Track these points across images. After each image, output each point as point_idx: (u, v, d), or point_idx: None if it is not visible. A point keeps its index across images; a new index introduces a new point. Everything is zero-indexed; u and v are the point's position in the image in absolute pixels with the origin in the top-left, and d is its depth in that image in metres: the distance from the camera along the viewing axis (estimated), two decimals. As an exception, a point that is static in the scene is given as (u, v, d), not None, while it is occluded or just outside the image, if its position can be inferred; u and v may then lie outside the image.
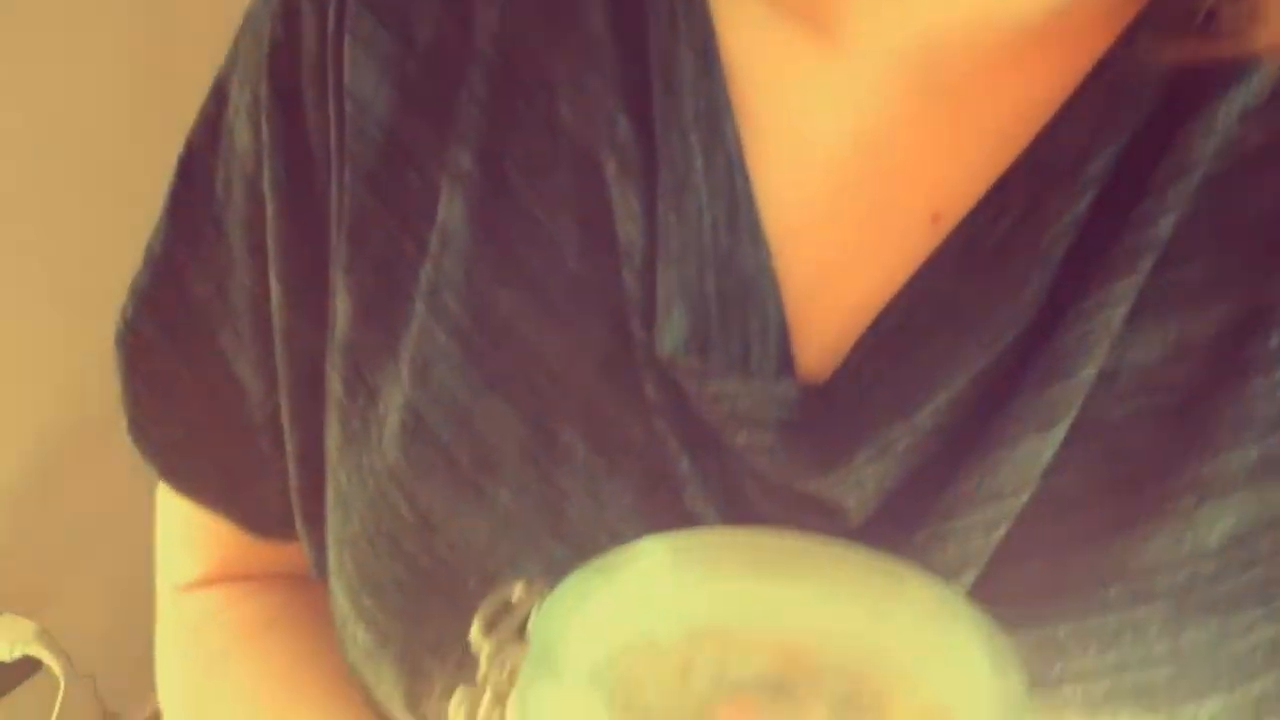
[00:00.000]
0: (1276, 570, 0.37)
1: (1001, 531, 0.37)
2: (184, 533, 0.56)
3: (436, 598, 0.42)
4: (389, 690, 0.45)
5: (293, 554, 0.53)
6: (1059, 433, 0.37)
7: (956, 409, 0.38)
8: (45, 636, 1.70)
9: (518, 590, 0.32)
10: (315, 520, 0.48)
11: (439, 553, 0.42)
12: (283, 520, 0.51)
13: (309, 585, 0.55)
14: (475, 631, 0.31)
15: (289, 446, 0.48)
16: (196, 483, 0.52)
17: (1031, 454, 0.37)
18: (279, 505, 0.51)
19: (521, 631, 0.31)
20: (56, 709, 1.72)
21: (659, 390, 0.40)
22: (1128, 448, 0.37)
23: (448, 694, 0.42)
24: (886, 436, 0.38)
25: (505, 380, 0.42)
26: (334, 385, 0.46)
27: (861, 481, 0.39)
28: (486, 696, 0.30)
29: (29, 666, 1.73)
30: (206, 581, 0.56)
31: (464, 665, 0.42)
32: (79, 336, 1.66)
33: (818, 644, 0.30)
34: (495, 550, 0.41)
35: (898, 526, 0.38)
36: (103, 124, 1.65)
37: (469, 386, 0.42)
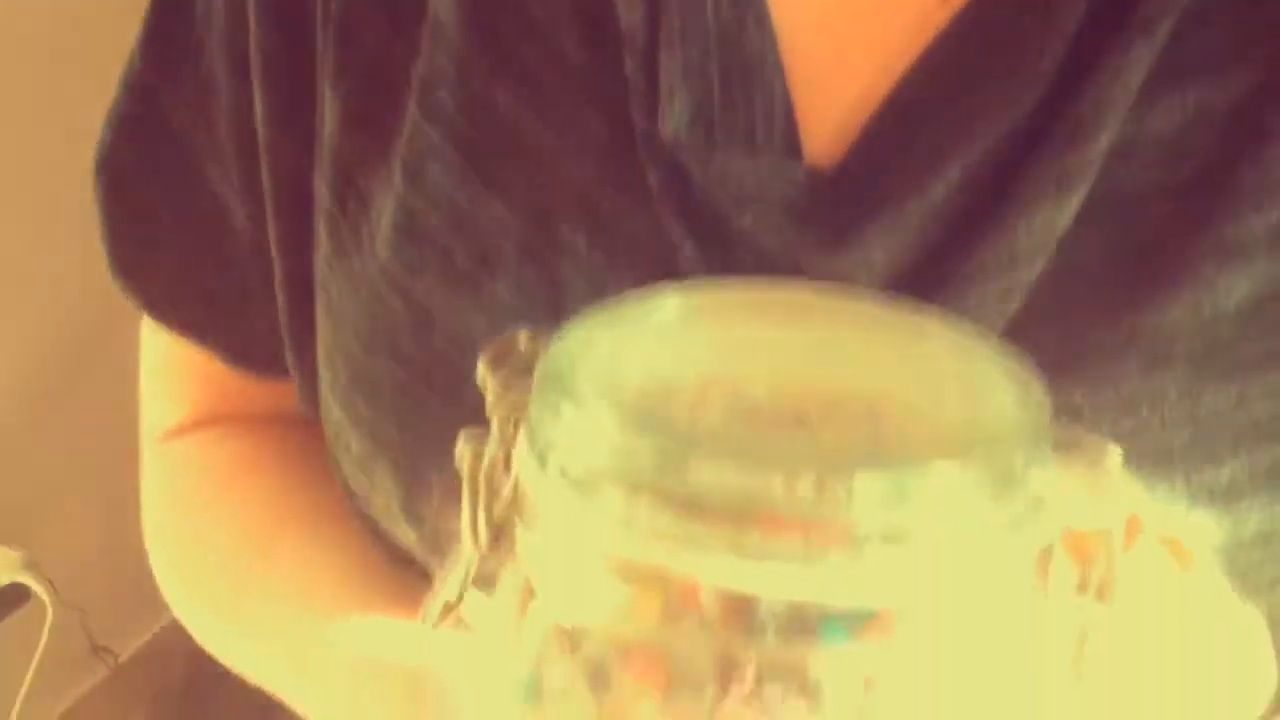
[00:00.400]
0: None
1: (1016, 302, 0.36)
2: (168, 375, 0.54)
3: (433, 397, 0.41)
4: (385, 500, 0.44)
5: (280, 394, 0.52)
6: (1075, 201, 0.36)
7: (969, 182, 0.37)
8: (32, 565, 1.69)
9: (521, 340, 0.31)
10: (304, 347, 0.47)
11: (436, 348, 0.41)
12: (270, 354, 0.50)
13: (296, 428, 0.53)
14: (480, 369, 0.30)
15: (277, 272, 0.47)
16: (183, 316, 0.51)
17: (1046, 222, 0.36)
18: (266, 337, 0.49)
19: (527, 372, 0.30)
20: (44, 639, 1.71)
21: (661, 178, 0.39)
22: (1146, 218, 0.36)
23: (446, 497, 0.41)
24: (897, 212, 0.37)
25: (502, 177, 0.41)
26: (322, 197, 0.44)
27: (871, 261, 0.38)
28: (493, 431, 0.29)
29: (16, 597, 1.72)
30: (191, 426, 0.55)
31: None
32: (66, 261, 1.64)
33: (836, 382, 0.29)
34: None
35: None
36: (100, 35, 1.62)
37: (465, 186, 0.41)
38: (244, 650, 0.52)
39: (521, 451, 0.28)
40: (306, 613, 0.47)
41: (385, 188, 0.42)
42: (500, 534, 0.30)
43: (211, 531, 0.53)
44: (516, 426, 0.30)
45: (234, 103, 0.47)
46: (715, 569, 0.25)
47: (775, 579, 0.25)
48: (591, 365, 0.28)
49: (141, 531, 0.57)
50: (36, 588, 1.67)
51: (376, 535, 0.46)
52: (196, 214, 0.49)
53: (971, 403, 0.28)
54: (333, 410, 0.45)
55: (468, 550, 0.31)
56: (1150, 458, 0.35)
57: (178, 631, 0.61)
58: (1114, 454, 0.28)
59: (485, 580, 0.31)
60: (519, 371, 0.30)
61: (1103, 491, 0.27)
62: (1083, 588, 0.27)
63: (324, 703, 0.46)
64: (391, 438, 0.42)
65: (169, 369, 0.54)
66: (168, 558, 0.55)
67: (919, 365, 0.30)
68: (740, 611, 0.26)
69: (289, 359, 0.48)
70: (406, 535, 0.44)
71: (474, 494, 0.30)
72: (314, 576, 0.48)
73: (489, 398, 0.30)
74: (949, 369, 0.29)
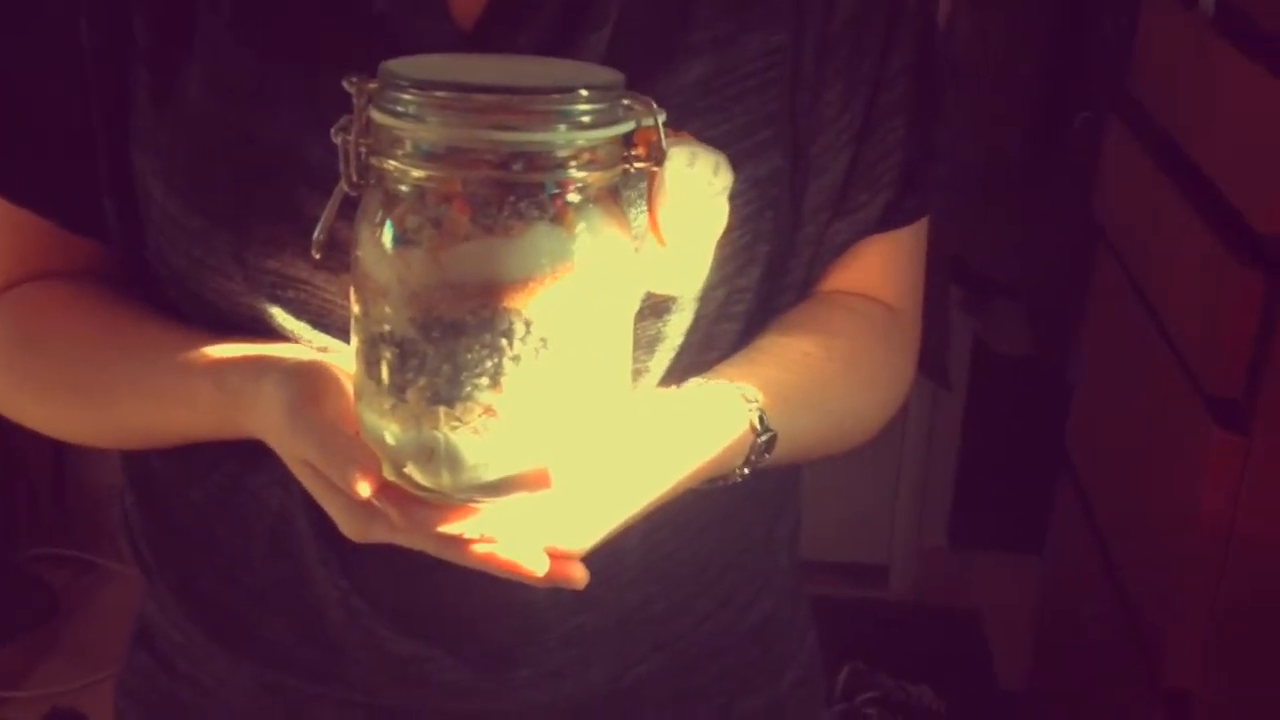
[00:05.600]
0: (731, 101, 0.70)
1: (603, 49, 0.68)
2: None
3: (255, 177, 0.67)
4: (217, 259, 0.68)
5: (91, 253, 0.74)
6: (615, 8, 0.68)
7: (550, 22, 0.68)
8: None
9: (348, 86, 0.58)
10: (122, 184, 0.70)
11: (253, 148, 0.67)
12: (86, 213, 0.72)
13: (105, 281, 0.75)
14: (346, 84, 0.57)
15: (101, 138, 0.70)
16: (16, 186, 0.72)
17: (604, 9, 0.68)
18: (84, 200, 0.71)
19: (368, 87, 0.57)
20: None
21: (375, 32, 0.67)
22: (651, 20, 0.69)
23: (269, 241, 0.67)
24: (512, 46, 0.68)
25: (275, 39, 0.67)
26: (142, 78, 0.69)
27: None
28: (356, 109, 0.56)
29: None
30: (11, 283, 0.75)
31: (279, 220, 0.67)
32: None
33: (526, 77, 0.59)
34: (303, 138, 0.66)
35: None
36: None
37: (246, 47, 0.67)
38: (121, 414, 0.72)
39: (378, 112, 0.56)
40: (180, 356, 0.69)
41: (190, 59, 0.68)
42: (364, 171, 0.57)
43: (66, 339, 0.73)
44: (368, 105, 0.57)
45: (59, 14, 0.69)
46: (494, 138, 0.55)
47: (524, 141, 0.55)
48: (408, 67, 0.57)
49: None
50: None
51: (199, 306, 0.70)
52: (22, 108, 0.71)
53: (590, 76, 0.59)
54: (171, 206, 0.69)
55: (341, 187, 0.58)
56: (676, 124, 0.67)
57: None
58: (659, 108, 0.59)
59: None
60: (363, 88, 0.58)
61: (654, 112, 0.59)
62: (647, 158, 0.59)
63: (220, 411, 0.67)
64: (226, 210, 0.67)
65: None
66: (17, 383, 0.74)
67: (559, 69, 0.60)
68: (505, 165, 0.55)
69: (108, 202, 0.71)
70: (230, 281, 0.69)
71: (345, 150, 0.57)
72: (172, 339, 0.71)
73: (353, 94, 0.57)
74: (575, 70, 0.60)
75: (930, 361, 2.09)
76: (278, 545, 0.73)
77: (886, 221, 0.79)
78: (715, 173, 0.61)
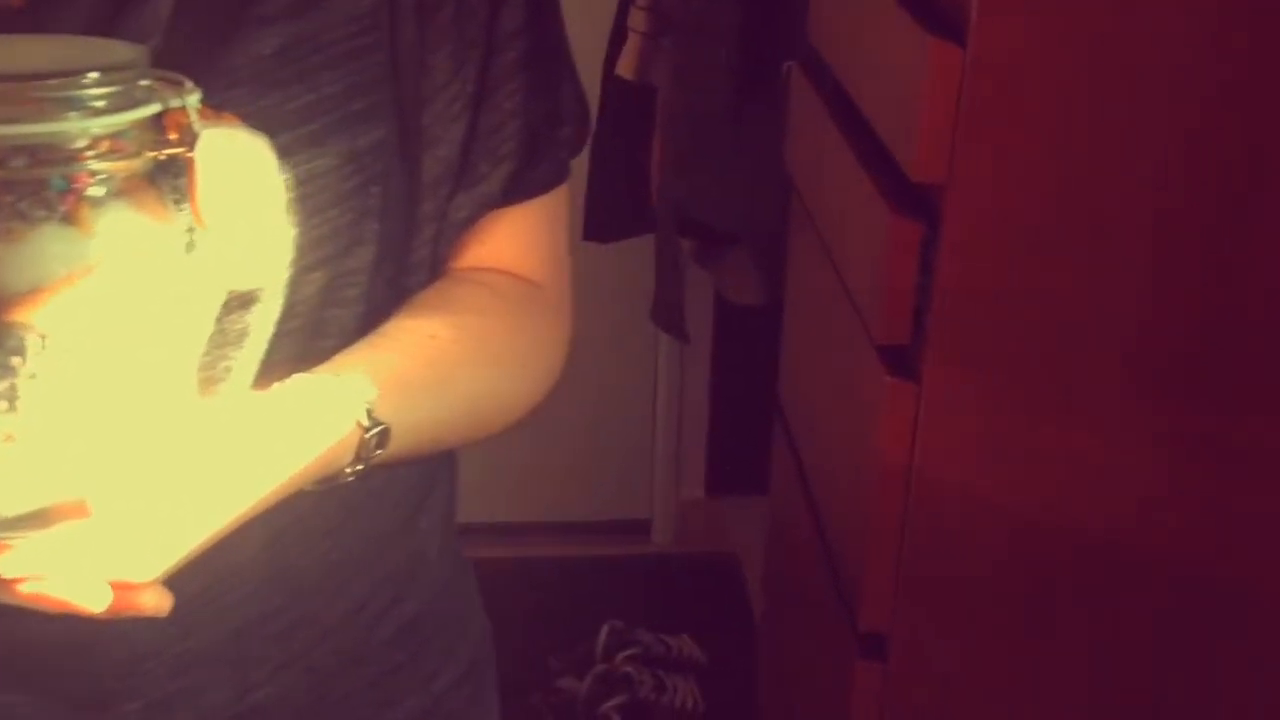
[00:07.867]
0: (316, 71, 0.65)
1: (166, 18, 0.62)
2: None
3: None
4: None
5: None
6: None
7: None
8: None
9: None
10: None
11: None
12: None
13: None
14: None
15: None
16: None
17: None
18: None
19: None
20: None
21: None
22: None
23: None
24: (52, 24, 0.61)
25: None
26: None
27: None
28: None
29: None
30: None
31: None
32: None
33: (39, 59, 0.53)
34: None
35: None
36: None
37: None
38: None
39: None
40: None
41: None
42: None
43: None
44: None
45: None
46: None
47: (19, 134, 0.49)
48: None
49: None
50: None
51: None
52: None
53: (107, 54, 0.53)
54: None
55: None
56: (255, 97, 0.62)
57: None
58: (192, 87, 0.54)
59: None
60: None
61: (182, 92, 0.54)
62: (179, 143, 0.54)
63: None
64: None
65: None
66: None
67: (73, 48, 0.55)
68: (3, 161, 0.50)
69: None
70: None
71: None
72: None
73: None
74: (91, 48, 0.55)
75: (665, 315, 2.09)
76: None
77: (512, 193, 0.75)
78: (260, 154, 0.56)
